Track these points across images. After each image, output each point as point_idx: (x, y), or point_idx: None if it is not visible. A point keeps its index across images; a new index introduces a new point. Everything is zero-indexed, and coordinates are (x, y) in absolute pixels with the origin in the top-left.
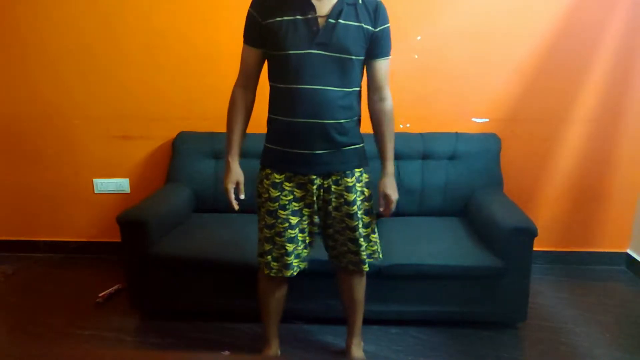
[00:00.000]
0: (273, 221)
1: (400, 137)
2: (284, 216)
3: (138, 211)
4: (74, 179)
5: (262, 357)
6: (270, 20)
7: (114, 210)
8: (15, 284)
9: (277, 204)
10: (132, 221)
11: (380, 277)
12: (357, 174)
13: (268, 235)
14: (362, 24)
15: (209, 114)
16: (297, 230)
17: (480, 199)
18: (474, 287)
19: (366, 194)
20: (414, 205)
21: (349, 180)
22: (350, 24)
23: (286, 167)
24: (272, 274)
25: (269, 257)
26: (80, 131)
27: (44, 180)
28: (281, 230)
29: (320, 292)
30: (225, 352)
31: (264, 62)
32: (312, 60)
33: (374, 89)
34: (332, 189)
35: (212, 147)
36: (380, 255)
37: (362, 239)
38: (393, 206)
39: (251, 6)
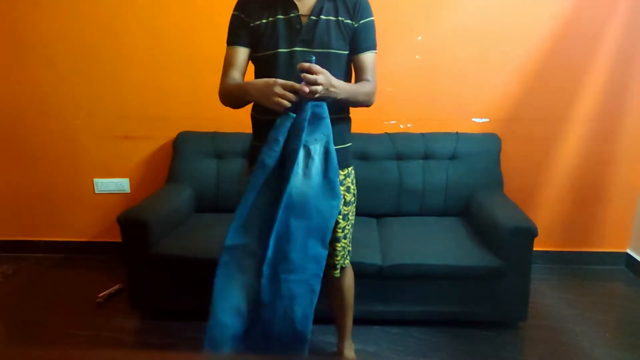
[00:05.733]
0: None
1: (402, 137)
2: None
3: (139, 211)
4: (74, 179)
5: (262, 357)
6: (257, 22)
7: (114, 210)
8: (15, 284)
9: None
10: (133, 221)
11: (381, 277)
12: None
13: None
14: (342, 19)
15: (210, 114)
16: None
17: (481, 199)
18: (475, 287)
19: (346, 198)
20: (415, 205)
21: None
22: (331, 19)
23: None
24: None
25: None
26: (81, 131)
27: (45, 180)
28: None
29: (321, 293)
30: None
31: (247, 64)
32: (297, 58)
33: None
34: None
35: (214, 147)
36: (347, 262)
37: (336, 243)
38: (314, 88)
39: (235, 9)
